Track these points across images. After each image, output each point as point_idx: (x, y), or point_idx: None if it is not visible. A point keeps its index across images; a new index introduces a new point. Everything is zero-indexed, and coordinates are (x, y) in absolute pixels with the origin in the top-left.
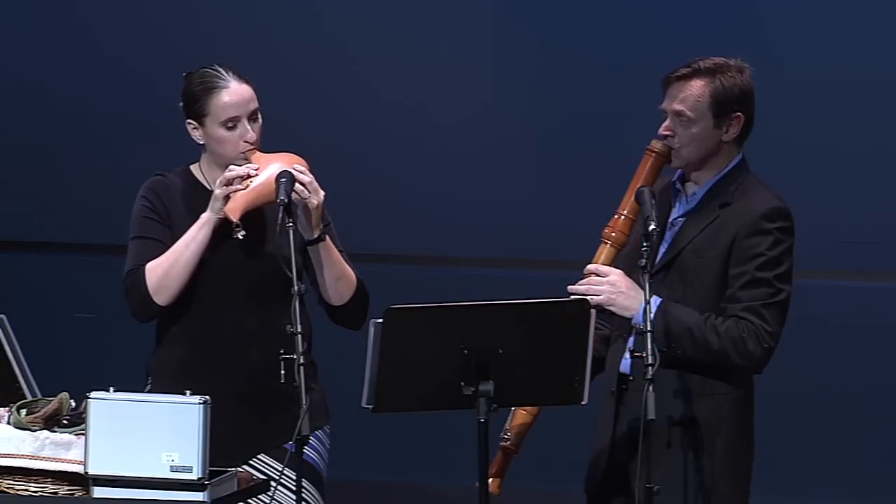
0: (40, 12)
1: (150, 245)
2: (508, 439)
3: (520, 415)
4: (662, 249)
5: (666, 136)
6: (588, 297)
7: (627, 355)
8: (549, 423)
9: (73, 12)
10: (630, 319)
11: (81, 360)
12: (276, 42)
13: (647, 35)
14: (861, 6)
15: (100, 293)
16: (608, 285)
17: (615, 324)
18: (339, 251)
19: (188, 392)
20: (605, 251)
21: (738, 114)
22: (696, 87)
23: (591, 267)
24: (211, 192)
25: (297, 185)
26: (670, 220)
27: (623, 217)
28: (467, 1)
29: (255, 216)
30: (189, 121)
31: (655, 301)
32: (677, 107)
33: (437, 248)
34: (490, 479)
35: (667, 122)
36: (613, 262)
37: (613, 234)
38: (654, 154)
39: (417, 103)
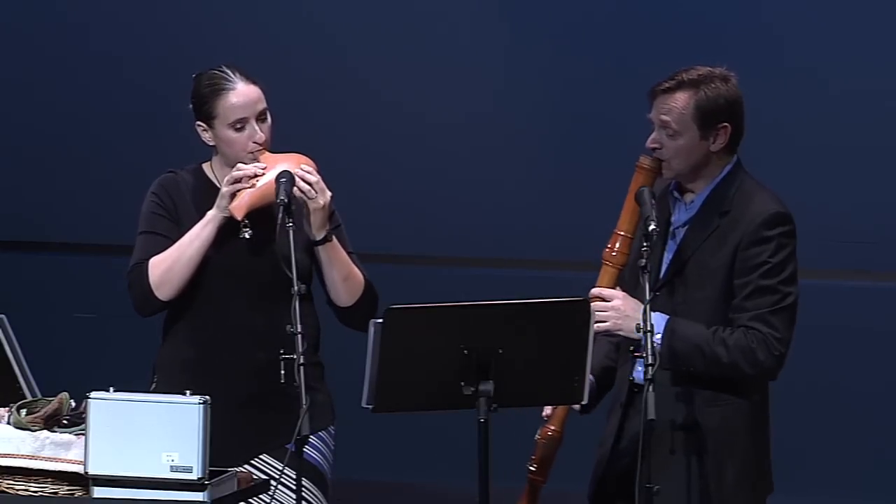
0: (39, 13)
1: (156, 240)
2: (535, 470)
3: (542, 445)
4: (666, 261)
5: (654, 149)
6: (594, 324)
7: (639, 366)
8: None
9: (73, 13)
10: (638, 341)
11: (81, 360)
12: (283, 43)
13: (655, 38)
14: (863, 9)
15: (100, 293)
16: (613, 311)
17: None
18: (349, 253)
19: (188, 392)
20: (606, 273)
21: (725, 124)
22: (681, 99)
23: (594, 291)
24: None
25: (303, 185)
26: (672, 228)
27: (622, 236)
28: (478, 3)
29: (263, 216)
30: (198, 122)
31: (662, 319)
32: (663, 118)
33: (437, 248)
34: None
35: (654, 135)
36: (616, 282)
37: (613, 255)
38: (644, 170)
39: (419, 104)
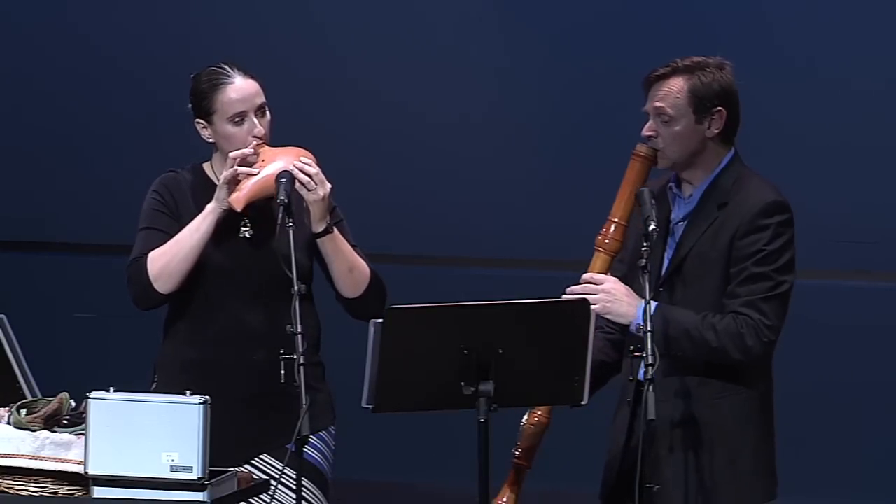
0: (39, 12)
1: (155, 235)
2: (520, 455)
3: (529, 430)
4: (667, 258)
5: (649, 137)
6: None
7: (643, 365)
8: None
9: (73, 13)
10: (628, 326)
11: (81, 360)
12: (283, 43)
13: (655, 38)
14: (865, 8)
15: (100, 293)
16: (603, 293)
17: (632, 337)
18: (353, 246)
19: (188, 392)
20: (599, 259)
21: (720, 109)
22: (675, 84)
23: (586, 276)
24: None
25: (302, 176)
26: (672, 224)
27: (615, 223)
28: (475, 3)
29: (263, 216)
30: (198, 120)
31: (653, 305)
32: (658, 104)
33: (437, 248)
34: (505, 497)
35: (649, 123)
36: (609, 269)
37: (606, 242)
38: (640, 158)
39: (419, 104)
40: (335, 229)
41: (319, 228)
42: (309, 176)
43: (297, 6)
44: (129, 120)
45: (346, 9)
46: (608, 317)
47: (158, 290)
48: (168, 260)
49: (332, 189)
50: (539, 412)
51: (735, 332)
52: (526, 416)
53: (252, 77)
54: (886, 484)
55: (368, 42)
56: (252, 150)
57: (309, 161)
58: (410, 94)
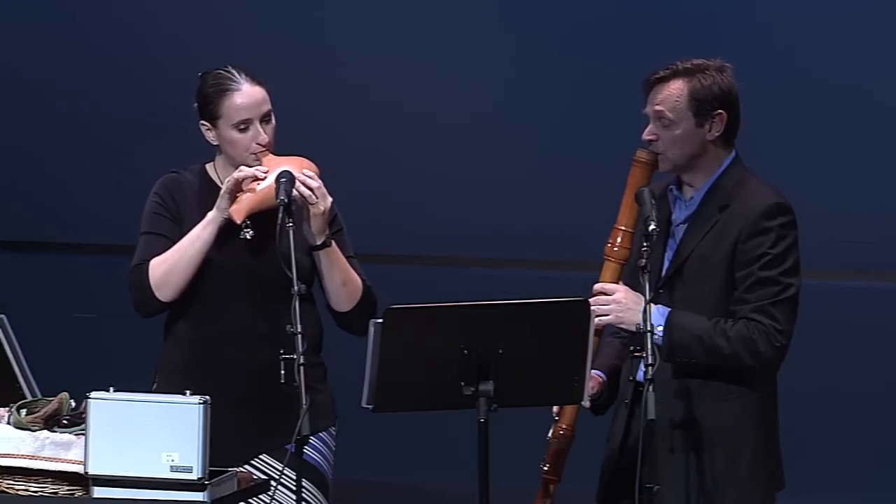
0: (39, 12)
1: (157, 241)
2: (548, 470)
3: (554, 444)
4: (668, 259)
5: (650, 142)
6: (597, 318)
7: (642, 365)
8: (549, 424)
9: (73, 12)
10: (637, 336)
11: (81, 360)
12: (284, 43)
13: (657, 39)
14: (864, 8)
15: (100, 293)
16: (614, 304)
17: (632, 337)
18: (349, 258)
19: (188, 392)
20: (608, 269)
21: (720, 112)
22: (675, 87)
23: (597, 287)
24: None
25: (304, 190)
26: (673, 226)
27: (622, 231)
28: (479, 3)
29: (264, 216)
30: (202, 122)
31: (663, 312)
32: (657, 108)
33: (437, 248)
34: None
35: (650, 127)
36: (619, 277)
37: (615, 250)
38: (641, 164)
39: (420, 104)
40: (332, 243)
41: (318, 241)
42: (311, 190)
43: (299, 5)
44: (130, 120)
45: (349, 8)
46: (622, 326)
47: (160, 298)
48: (169, 268)
49: (332, 202)
50: (564, 425)
51: (747, 337)
52: (551, 430)
53: (260, 84)
54: (886, 484)
55: (370, 42)
56: (262, 173)
57: (311, 174)
58: (411, 95)
